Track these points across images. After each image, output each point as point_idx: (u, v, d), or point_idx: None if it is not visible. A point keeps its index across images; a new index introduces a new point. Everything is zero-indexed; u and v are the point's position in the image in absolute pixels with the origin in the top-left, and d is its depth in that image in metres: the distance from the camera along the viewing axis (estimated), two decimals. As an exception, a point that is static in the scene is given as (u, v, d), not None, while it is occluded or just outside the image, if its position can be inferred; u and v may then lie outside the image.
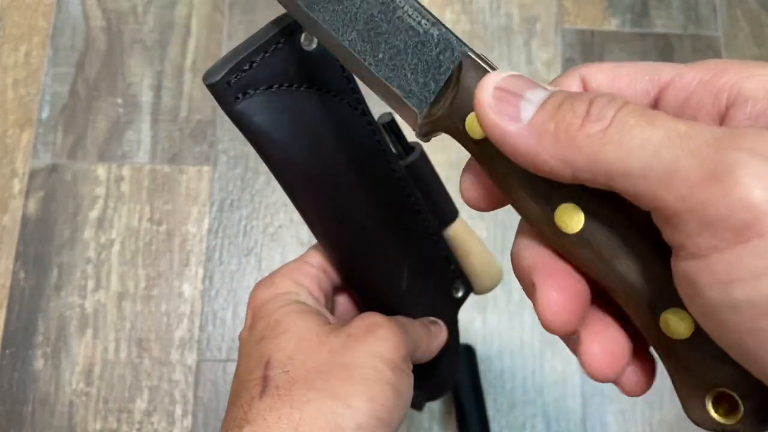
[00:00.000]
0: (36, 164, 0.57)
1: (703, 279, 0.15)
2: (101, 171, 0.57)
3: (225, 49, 0.61)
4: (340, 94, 0.28)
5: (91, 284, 0.54)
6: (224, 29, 0.62)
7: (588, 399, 0.53)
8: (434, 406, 0.53)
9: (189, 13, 0.62)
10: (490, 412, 0.52)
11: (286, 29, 0.27)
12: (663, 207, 0.16)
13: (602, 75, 0.21)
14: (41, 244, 0.55)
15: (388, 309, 0.33)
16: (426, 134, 0.24)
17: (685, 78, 0.20)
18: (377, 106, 0.28)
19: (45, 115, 0.59)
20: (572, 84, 0.21)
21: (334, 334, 0.29)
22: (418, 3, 0.23)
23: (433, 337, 0.34)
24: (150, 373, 0.53)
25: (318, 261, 0.33)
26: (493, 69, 0.21)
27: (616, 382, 0.21)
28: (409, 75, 0.24)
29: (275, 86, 0.26)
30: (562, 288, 0.22)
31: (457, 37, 0.23)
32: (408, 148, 0.32)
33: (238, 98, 0.25)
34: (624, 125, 0.17)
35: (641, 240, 0.19)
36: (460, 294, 0.37)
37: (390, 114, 0.30)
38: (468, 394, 0.51)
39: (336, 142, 0.28)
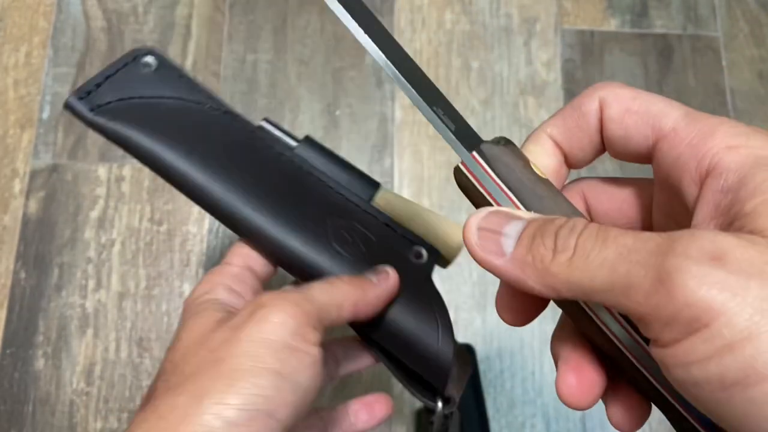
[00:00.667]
0: (37, 164, 0.57)
1: (669, 362, 0.18)
2: (102, 171, 0.57)
3: (225, 49, 0.61)
4: (195, 102, 0.34)
5: (91, 284, 0.54)
6: (224, 30, 0.62)
7: (588, 399, 0.53)
8: (434, 406, 0.53)
9: (189, 14, 0.62)
10: (490, 411, 0.52)
11: (130, 55, 0.34)
12: (629, 313, 0.19)
13: (617, 107, 0.24)
14: (42, 244, 0.55)
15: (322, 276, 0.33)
16: None
17: (679, 136, 0.22)
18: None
19: (46, 115, 0.59)
20: (592, 107, 0.24)
21: (220, 329, 0.28)
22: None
23: (371, 286, 0.32)
24: (151, 373, 0.53)
25: (240, 260, 0.33)
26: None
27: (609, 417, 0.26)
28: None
29: (124, 99, 0.33)
30: (579, 374, 0.26)
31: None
32: (293, 137, 0.36)
33: (92, 110, 0.32)
34: (584, 251, 0.20)
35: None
36: (424, 259, 0.35)
37: (265, 118, 0.36)
38: (468, 394, 0.51)
39: (196, 135, 0.33)
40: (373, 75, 0.61)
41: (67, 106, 0.32)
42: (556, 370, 0.25)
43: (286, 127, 0.36)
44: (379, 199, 0.35)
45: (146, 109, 0.33)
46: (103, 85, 0.33)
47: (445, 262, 0.37)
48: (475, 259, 0.23)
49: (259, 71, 0.61)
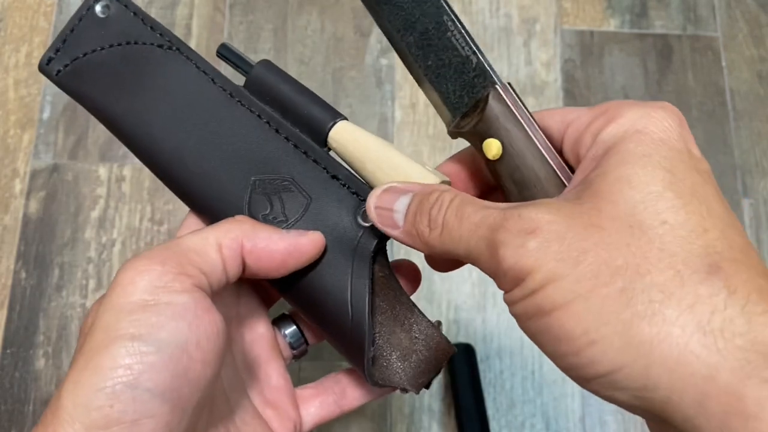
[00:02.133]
0: (37, 164, 0.57)
1: (507, 303, 0.24)
2: (102, 171, 0.57)
3: (225, 49, 0.61)
4: (149, 42, 0.32)
5: (92, 284, 0.55)
6: (225, 30, 0.62)
7: (587, 398, 0.53)
8: (434, 406, 0.53)
9: (190, 14, 0.62)
10: (490, 411, 0.52)
11: (84, 5, 0.33)
12: (483, 271, 0.24)
13: (549, 121, 0.28)
14: (42, 244, 0.55)
15: None
16: (453, 137, 0.30)
17: (580, 120, 0.27)
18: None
19: (46, 115, 0.59)
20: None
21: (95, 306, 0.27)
22: (466, 31, 0.29)
23: (266, 229, 0.29)
24: (151, 373, 0.53)
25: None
26: (517, 102, 0.28)
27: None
28: (449, 85, 0.30)
29: (79, 57, 0.32)
30: None
31: (492, 69, 0.29)
32: (248, 66, 0.33)
33: (59, 71, 0.32)
34: (449, 227, 0.25)
35: None
36: (369, 222, 0.30)
37: (224, 43, 0.34)
38: (467, 394, 0.52)
39: (152, 81, 0.32)
40: (373, 75, 0.61)
41: (41, 71, 0.33)
42: None
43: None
44: (334, 139, 0.31)
45: (97, 64, 0.32)
46: (63, 46, 0.32)
47: None
48: (382, 230, 0.28)
49: (259, 71, 0.61)
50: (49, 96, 0.59)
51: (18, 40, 0.61)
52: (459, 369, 0.52)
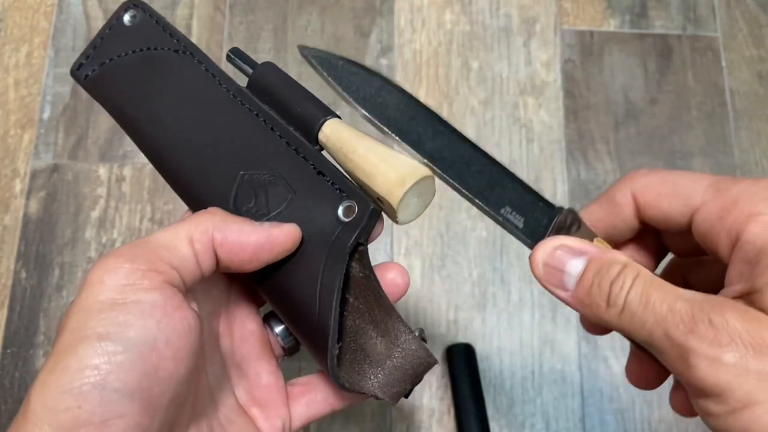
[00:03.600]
0: (37, 164, 0.57)
1: (695, 407, 0.24)
2: (102, 171, 0.57)
3: (226, 49, 0.61)
4: (166, 47, 0.34)
5: (92, 284, 0.55)
6: (225, 30, 0.62)
7: (587, 398, 0.53)
8: (434, 406, 0.53)
9: (190, 14, 0.62)
10: (490, 411, 0.52)
11: (114, 15, 0.35)
12: (665, 363, 0.24)
13: (650, 194, 0.28)
14: (43, 244, 0.55)
15: None
16: None
17: (708, 209, 0.26)
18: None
19: (46, 115, 0.59)
20: (625, 199, 0.28)
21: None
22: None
23: (239, 220, 0.28)
24: (151, 373, 0.53)
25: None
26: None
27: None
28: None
29: (112, 58, 0.35)
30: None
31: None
32: (253, 66, 0.34)
33: (87, 76, 0.35)
34: (631, 311, 0.24)
35: None
36: (350, 218, 0.29)
37: (235, 47, 0.35)
38: (467, 394, 0.52)
39: (165, 83, 0.34)
40: (373, 75, 0.61)
41: (72, 76, 0.35)
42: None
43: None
44: (324, 134, 0.30)
45: (119, 68, 0.34)
46: (93, 53, 0.35)
47: (391, 216, 0.30)
48: (544, 287, 0.27)
49: (259, 71, 0.61)
50: (49, 96, 0.59)
51: (18, 40, 0.61)
52: (459, 369, 0.52)
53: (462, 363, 0.52)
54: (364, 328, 0.30)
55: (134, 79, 0.34)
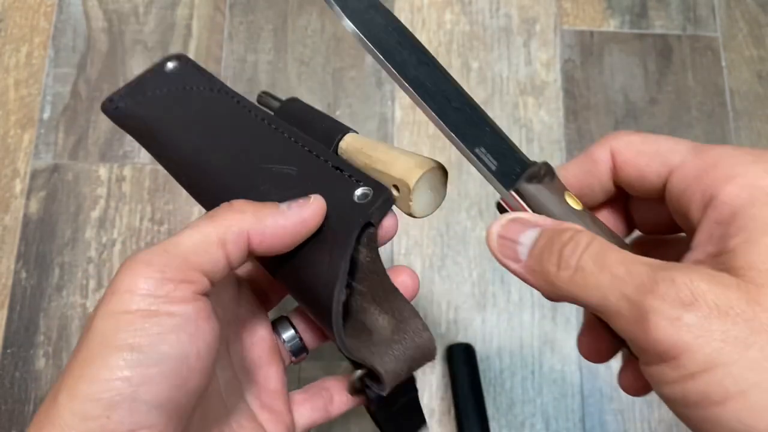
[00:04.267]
0: (37, 164, 0.57)
1: (648, 379, 0.22)
2: (102, 171, 0.57)
3: (226, 49, 0.61)
4: (203, 87, 0.37)
5: (92, 284, 0.55)
6: (225, 30, 0.62)
7: (587, 398, 0.53)
8: (434, 406, 0.53)
9: (190, 14, 0.62)
10: (490, 411, 0.53)
11: (160, 63, 0.38)
12: (615, 330, 0.23)
13: (629, 152, 0.27)
14: (43, 244, 0.55)
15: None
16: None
17: (686, 168, 0.25)
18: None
19: (46, 115, 0.59)
20: (604, 156, 0.27)
21: (94, 310, 0.26)
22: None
23: (272, 212, 0.28)
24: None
25: None
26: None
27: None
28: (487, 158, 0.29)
29: (147, 95, 0.36)
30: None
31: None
32: (280, 100, 0.37)
33: (117, 108, 0.36)
34: (584, 272, 0.23)
35: None
36: (365, 200, 0.30)
37: (265, 91, 0.38)
38: (467, 394, 0.52)
39: (200, 112, 0.36)
40: (373, 75, 0.61)
41: (103, 110, 0.37)
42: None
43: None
44: (345, 142, 0.32)
45: (153, 100, 0.36)
46: (129, 91, 0.37)
47: (405, 202, 0.31)
48: (497, 260, 0.26)
49: (259, 71, 0.61)
50: (49, 96, 0.59)
51: (18, 40, 0.61)
52: (459, 369, 0.52)
53: (462, 363, 0.52)
54: (368, 307, 0.30)
55: (167, 105, 0.36)
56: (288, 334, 0.34)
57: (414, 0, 0.64)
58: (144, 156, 0.58)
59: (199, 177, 0.34)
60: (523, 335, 0.55)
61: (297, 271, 0.30)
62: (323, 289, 0.29)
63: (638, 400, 0.53)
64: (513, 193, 0.28)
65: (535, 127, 0.60)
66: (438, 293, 0.55)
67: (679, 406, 0.21)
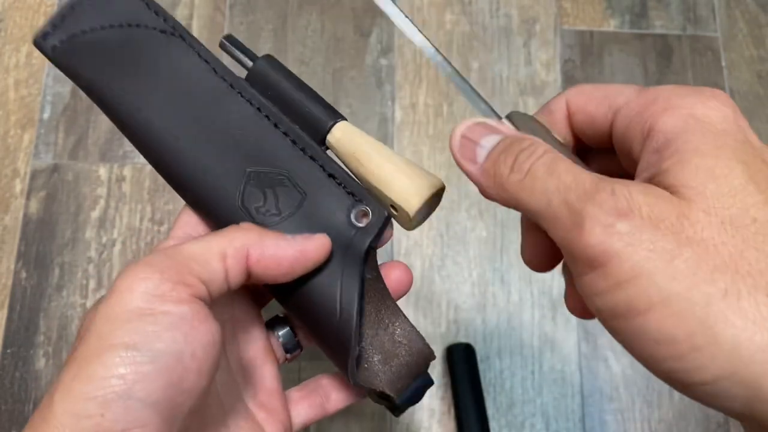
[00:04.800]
0: (37, 164, 0.57)
1: (581, 291, 0.22)
2: (102, 171, 0.57)
3: (226, 49, 0.61)
4: (152, 26, 0.31)
5: (92, 284, 0.55)
6: (225, 30, 0.62)
7: (587, 398, 0.53)
8: (434, 405, 0.53)
9: (190, 14, 0.62)
10: (490, 411, 0.53)
11: None
12: (554, 239, 0.23)
13: (581, 99, 0.27)
14: (43, 244, 0.55)
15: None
16: None
17: (630, 106, 0.25)
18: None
19: (46, 115, 0.59)
20: (559, 105, 0.28)
21: (91, 311, 0.26)
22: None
23: (273, 236, 0.28)
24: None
25: (184, 230, 0.31)
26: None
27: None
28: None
29: (85, 31, 0.31)
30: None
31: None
32: (252, 57, 0.32)
33: (54, 47, 0.31)
34: (534, 176, 0.23)
35: None
36: (363, 222, 0.30)
37: (230, 34, 0.33)
38: (467, 393, 0.52)
39: (151, 65, 0.31)
40: (373, 75, 0.61)
41: (36, 46, 0.32)
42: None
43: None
44: (333, 138, 0.30)
45: (95, 43, 0.31)
46: (62, 23, 0.31)
47: (403, 223, 0.31)
48: (455, 160, 0.26)
49: (259, 71, 0.61)
50: (49, 96, 0.59)
51: (18, 40, 0.61)
52: (459, 369, 0.52)
53: (462, 363, 0.52)
54: (374, 328, 0.31)
55: (113, 56, 0.31)
56: (284, 331, 0.34)
57: (414, 0, 0.64)
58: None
59: (167, 171, 0.31)
60: (523, 335, 0.55)
61: (304, 300, 0.30)
62: (337, 334, 0.29)
63: (638, 400, 0.53)
64: (505, 122, 0.28)
65: (535, 127, 0.60)
66: (438, 293, 0.55)
67: (609, 319, 0.22)
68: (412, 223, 0.30)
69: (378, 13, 0.63)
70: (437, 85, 0.61)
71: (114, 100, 0.31)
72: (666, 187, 0.22)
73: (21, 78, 0.60)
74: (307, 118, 0.31)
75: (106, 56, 0.31)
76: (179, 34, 0.32)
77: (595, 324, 0.54)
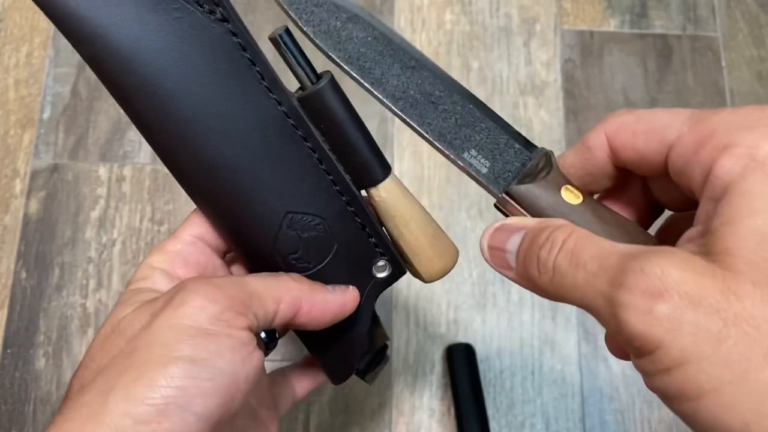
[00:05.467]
0: (37, 164, 0.57)
1: (636, 369, 0.22)
2: (102, 171, 0.57)
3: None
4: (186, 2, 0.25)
5: (92, 284, 0.55)
6: (225, 30, 0.62)
7: (587, 398, 0.53)
8: (434, 405, 0.53)
9: (190, 14, 0.62)
10: (490, 411, 0.53)
11: None
12: (604, 326, 0.22)
13: (625, 135, 0.25)
14: (43, 244, 0.55)
15: (258, 267, 0.30)
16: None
17: (684, 143, 0.23)
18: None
19: (46, 115, 0.59)
20: (599, 141, 0.26)
21: (139, 316, 0.26)
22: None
23: (322, 289, 0.30)
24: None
25: (191, 231, 0.31)
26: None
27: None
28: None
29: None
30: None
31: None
32: (313, 72, 0.29)
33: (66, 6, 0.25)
34: (561, 273, 0.22)
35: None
36: (383, 274, 0.32)
37: (286, 28, 0.28)
38: (467, 393, 0.52)
39: (176, 54, 0.25)
40: (373, 75, 0.61)
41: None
42: None
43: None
44: (378, 194, 0.30)
45: (120, 13, 0.26)
46: None
47: (417, 277, 0.34)
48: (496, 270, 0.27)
49: (259, 71, 0.61)
50: (49, 96, 0.59)
51: (18, 40, 0.61)
52: (459, 369, 0.52)
53: (462, 363, 0.52)
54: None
55: (139, 42, 0.25)
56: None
57: (414, 0, 0.64)
58: (144, 156, 0.58)
59: (210, 194, 0.29)
60: (523, 335, 0.54)
61: (321, 340, 0.33)
62: (341, 353, 0.34)
63: (638, 400, 0.53)
64: (505, 196, 0.27)
65: (535, 127, 0.60)
66: (438, 293, 0.55)
67: (663, 399, 0.21)
68: (425, 282, 0.33)
69: (378, 13, 0.63)
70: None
71: (139, 101, 0.27)
72: (712, 253, 0.20)
73: (21, 78, 0.60)
74: (356, 164, 0.29)
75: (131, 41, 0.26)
76: (223, 15, 0.27)
77: (595, 324, 0.54)
